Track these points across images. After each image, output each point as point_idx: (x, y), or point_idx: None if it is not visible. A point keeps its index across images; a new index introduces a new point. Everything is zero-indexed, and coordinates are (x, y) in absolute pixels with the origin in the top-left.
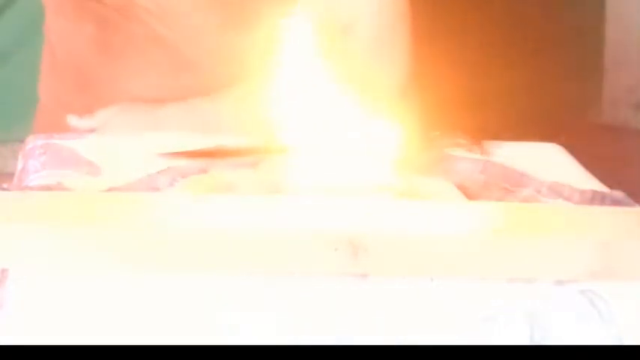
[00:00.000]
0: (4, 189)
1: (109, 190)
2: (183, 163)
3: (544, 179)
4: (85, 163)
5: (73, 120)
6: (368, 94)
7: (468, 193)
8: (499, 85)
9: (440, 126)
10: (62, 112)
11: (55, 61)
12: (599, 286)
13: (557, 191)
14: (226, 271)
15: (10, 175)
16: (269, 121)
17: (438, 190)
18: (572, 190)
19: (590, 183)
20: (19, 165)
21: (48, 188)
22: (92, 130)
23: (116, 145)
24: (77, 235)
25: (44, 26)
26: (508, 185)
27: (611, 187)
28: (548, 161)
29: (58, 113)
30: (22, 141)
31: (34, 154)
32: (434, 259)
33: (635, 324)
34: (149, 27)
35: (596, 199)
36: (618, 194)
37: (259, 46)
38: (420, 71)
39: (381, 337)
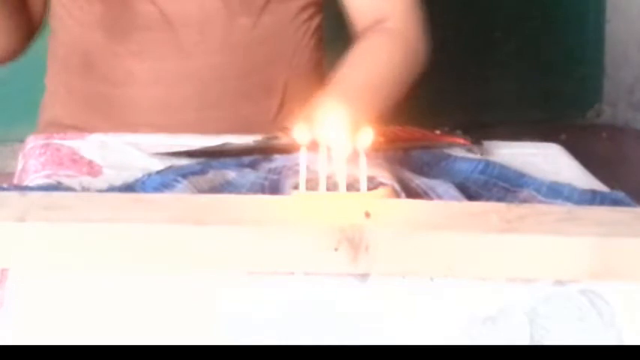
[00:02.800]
0: (4, 189)
1: (109, 190)
2: (183, 163)
3: (544, 179)
4: (85, 163)
5: None
6: (396, 84)
7: (468, 193)
8: (499, 85)
9: (440, 126)
10: (68, 98)
11: (60, 48)
12: (599, 286)
13: (557, 191)
14: (226, 270)
15: (10, 175)
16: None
17: (438, 190)
18: (572, 190)
19: (590, 183)
20: (19, 165)
21: (48, 188)
22: None
23: (116, 145)
24: (77, 235)
25: (50, 16)
26: (508, 185)
27: (611, 187)
28: (548, 161)
29: (64, 100)
30: (22, 141)
31: (34, 154)
32: (434, 259)
33: (635, 324)
34: (155, 7)
35: (596, 199)
36: (618, 194)
37: (264, 33)
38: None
39: (381, 337)
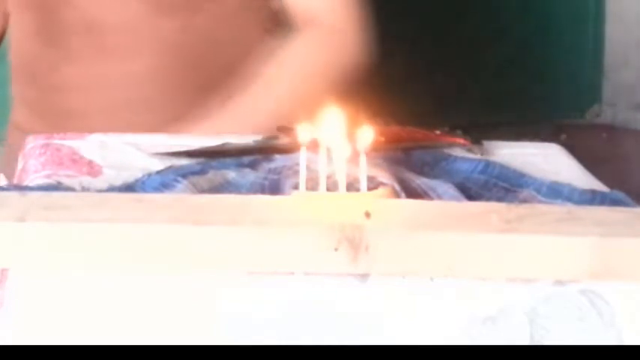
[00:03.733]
0: (4, 189)
1: (109, 190)
2: (183, 163)
3: (544, 179)
4: (85, 163)
5: None
6: (332, 80)
7: (468, 193)
8: (499, 85)
9: (440, 126)
10: (21, 104)
11: (11, 56)
12: (599, 286)
13: (557, 191)
14: (226, 270)
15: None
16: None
17: (438, 190)
18: (572, 190)
19: (590, 183)
20: (19, 165)
21: (48, 188)
22: None
23: (116, 145)
24: (77, 235)
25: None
26: (508, 185)
27: (611, 187)
28: (548, 161)
29: (20, 106)
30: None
31: (34, 154)
32: (434, 259)
33: (635, 324)
34: (79, 13)
35: (596, 199)
36: (618, 194)
37: (197, 33)
38: (418, 72)
39: (381, 337)
